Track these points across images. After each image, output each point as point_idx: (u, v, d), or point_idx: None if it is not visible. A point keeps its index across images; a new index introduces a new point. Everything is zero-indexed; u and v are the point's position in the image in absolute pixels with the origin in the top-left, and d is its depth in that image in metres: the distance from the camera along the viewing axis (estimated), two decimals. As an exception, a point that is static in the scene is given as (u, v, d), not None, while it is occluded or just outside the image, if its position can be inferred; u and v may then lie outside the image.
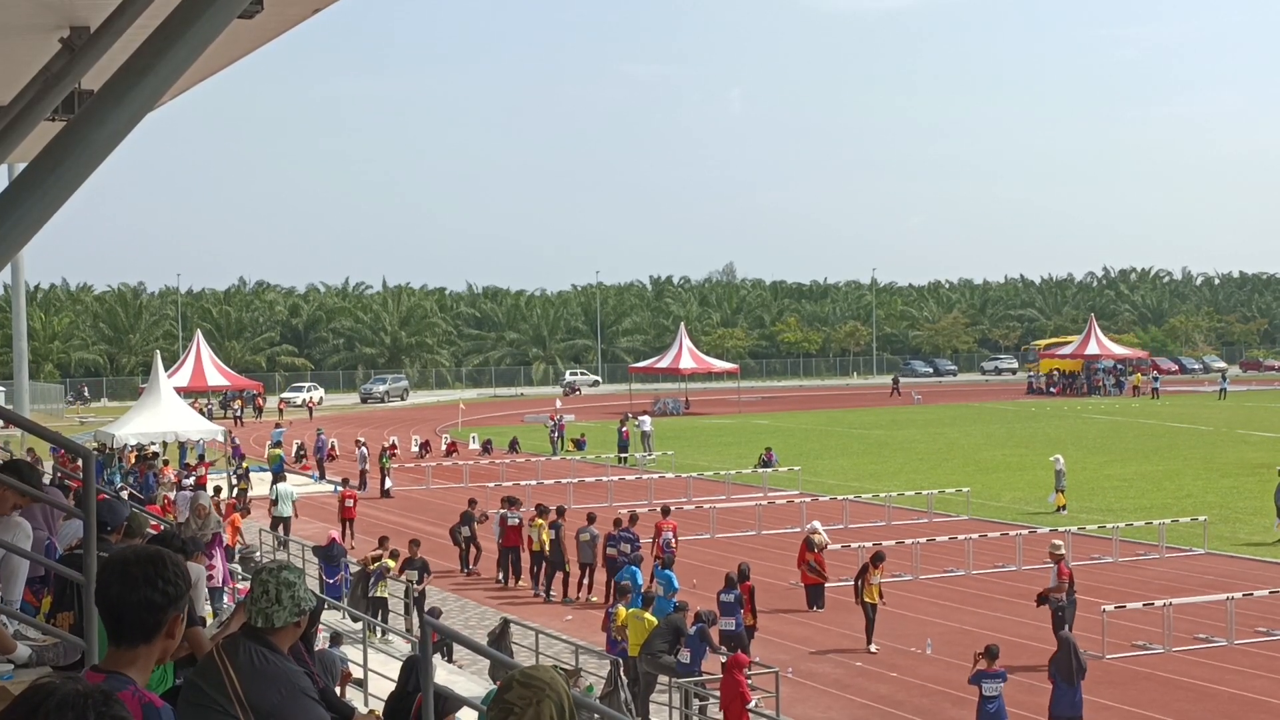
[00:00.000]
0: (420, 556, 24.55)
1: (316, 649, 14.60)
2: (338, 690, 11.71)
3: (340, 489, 36.60)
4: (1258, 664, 21.17)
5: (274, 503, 33.93)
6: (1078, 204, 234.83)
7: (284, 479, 35.89)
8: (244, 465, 43.99)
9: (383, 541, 24.87)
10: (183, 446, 46.08)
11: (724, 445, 58.01)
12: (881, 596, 23.02)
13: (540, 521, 27.94)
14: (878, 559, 23.24)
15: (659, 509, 29.70)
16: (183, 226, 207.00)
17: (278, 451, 44.50)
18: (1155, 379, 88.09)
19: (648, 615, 19.71)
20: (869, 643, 22.42)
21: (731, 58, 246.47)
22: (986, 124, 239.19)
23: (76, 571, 6.31)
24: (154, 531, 10.53)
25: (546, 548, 27.58)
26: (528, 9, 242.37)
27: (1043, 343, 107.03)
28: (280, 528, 32.97)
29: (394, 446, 50.58)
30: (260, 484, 40.65)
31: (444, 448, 56.64)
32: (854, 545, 29.17)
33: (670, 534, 27.73)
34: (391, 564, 23.95)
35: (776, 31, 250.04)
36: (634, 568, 23.67)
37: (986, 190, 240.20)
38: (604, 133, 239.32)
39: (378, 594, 23.45)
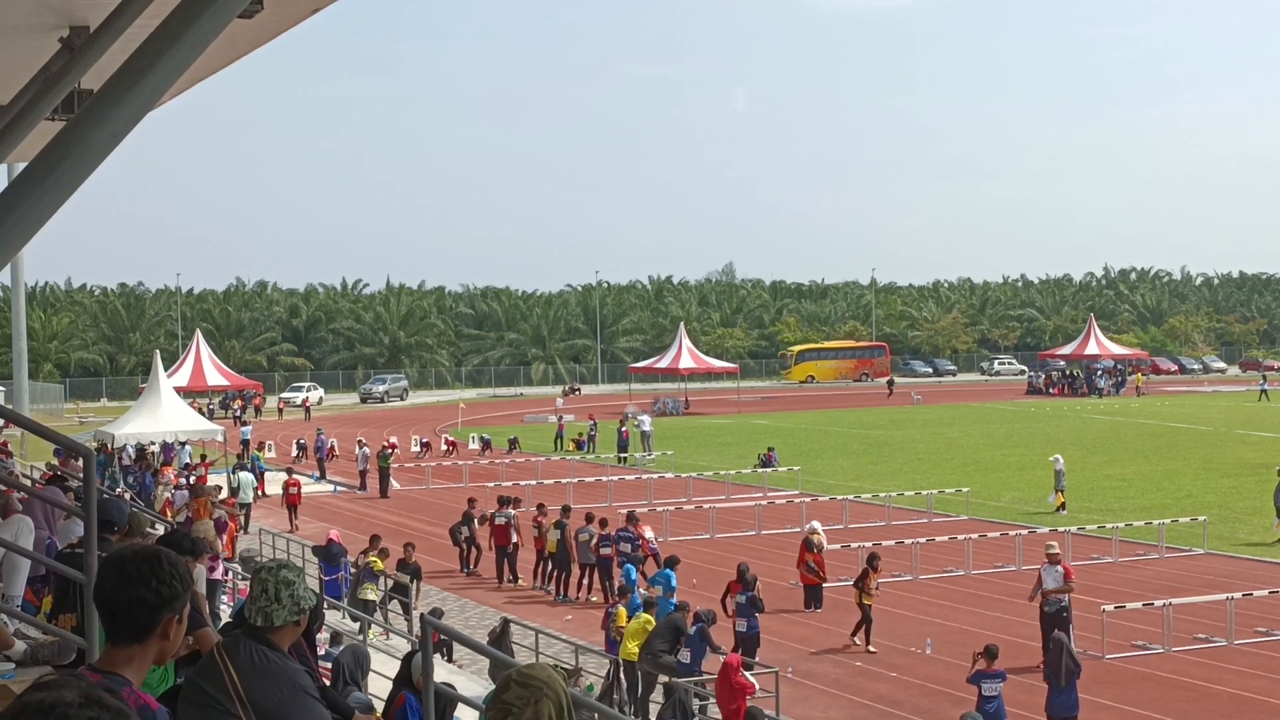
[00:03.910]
0: (414, 561, 24.48)
1: (346, 645, 14.64)
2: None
3: (287, 477, 39.37)
4: (1257, 664, 21.17)
5: (235, 490, 35.67)
6: (1077, 204, 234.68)
7: (247, 469, 39.44)
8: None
9: (374, 540, 24.84)
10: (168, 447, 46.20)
11: (723, 445, 58.03)
12: (877, 588, 23.12)
13: (546, 522, 28.01)
14: (874, 561, 23.30)
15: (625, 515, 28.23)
16: (183, 226, 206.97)
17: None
18: (1100, 378, 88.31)
19: (645, 616, 19.71)
20: (868, 643, 22.45)
21: (732, 58, 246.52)
22: (986, 123, 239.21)
23: (77, 570, 6.32)
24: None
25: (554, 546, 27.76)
26: (529, 8, 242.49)
27: (796, 348, 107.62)
28: (242, 513, 35.06)
29: (394, 444, 51.23)
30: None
31: (444, 447, 56.67)
32: (854, 545, 29.20)
33: (649, 532, 27.74)
34: (378, 563, 23.81)
35: (775, 31, 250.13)
36: (630, 566, 23.60)
37: (986, 190, 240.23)
38: (604, 132, 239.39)
39: (362, 596, 23.20)
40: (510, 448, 56.08)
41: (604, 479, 43.73)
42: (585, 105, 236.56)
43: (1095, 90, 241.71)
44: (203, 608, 7.21)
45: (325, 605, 18.18)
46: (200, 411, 52.02)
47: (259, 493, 43.06)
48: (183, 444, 44.76)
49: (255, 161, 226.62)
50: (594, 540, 26.91)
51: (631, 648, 19.11)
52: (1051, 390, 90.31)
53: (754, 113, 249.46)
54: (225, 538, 24.07)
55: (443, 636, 16.43)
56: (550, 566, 28.14)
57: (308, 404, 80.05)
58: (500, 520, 29.00)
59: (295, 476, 39.16)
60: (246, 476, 37.65)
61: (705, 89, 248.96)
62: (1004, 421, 68.22)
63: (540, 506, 29.59)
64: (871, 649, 22.29)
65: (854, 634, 22.82)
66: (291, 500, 37.66)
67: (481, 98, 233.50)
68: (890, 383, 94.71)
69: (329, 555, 25.54)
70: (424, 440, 57.62)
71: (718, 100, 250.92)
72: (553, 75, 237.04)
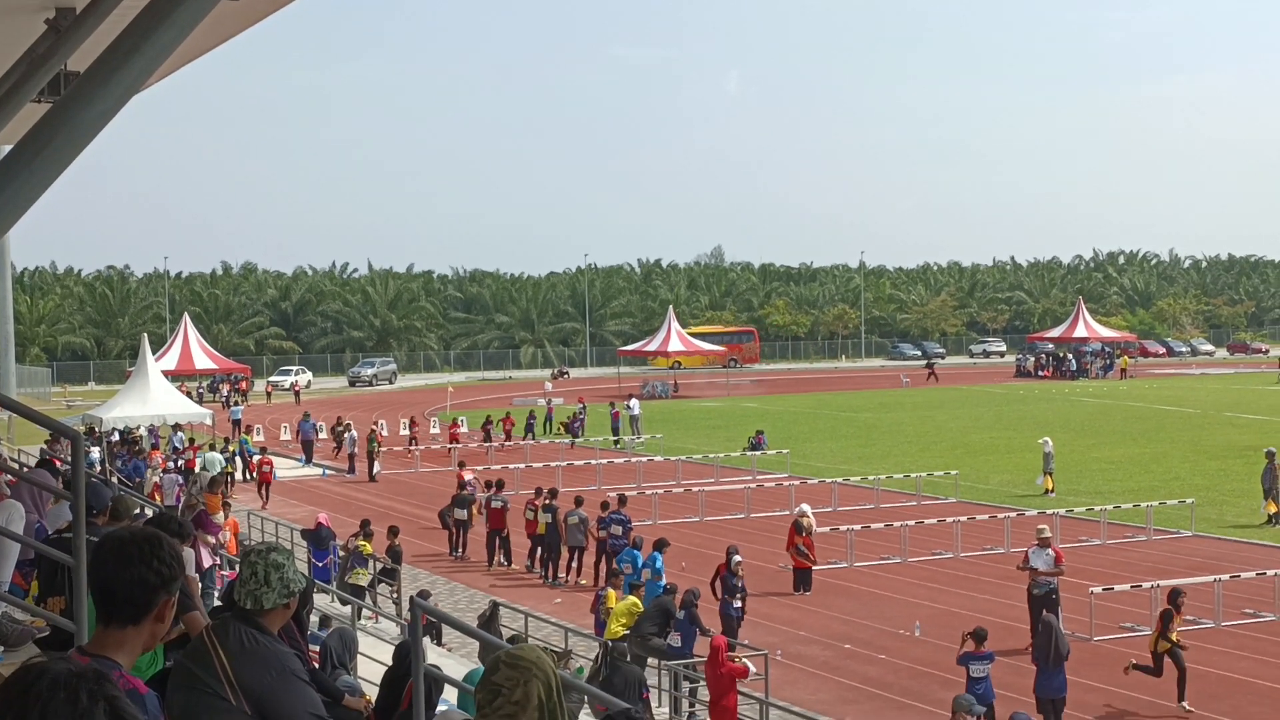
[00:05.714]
0: (397, 544, 24.49)
1: (334, 628, 14.63)
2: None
3: (258, 455, 40.67)
4: (1244, 645, 21.28)
5: (202, 469, 36.08)
6: (1066, 187, 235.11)
7: (215, 450, 41.11)
8: (230, 449, 44.08)
9: (364, 524, 24.84)
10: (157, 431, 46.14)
11: (712, 428, 58.05)
12: (1180, 646, 18.58)
13: (537, 504, 28.10)
14: (1177, 599, 19.00)
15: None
16: (170, 209, 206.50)
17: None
18: (1072, 360, 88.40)
19: (633, 599, 19.73)
20: (1181, 698, 18.40)
21: (723, 41, 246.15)
22: (976, 107, 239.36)
23: (66, 554, 6.31)
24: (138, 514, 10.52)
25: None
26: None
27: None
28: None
29: (409, 423, 53.30)
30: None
31: (446, 429, 55.81)
32: (843, 528, 29.26)
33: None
34: (367, 546, 23.81)
35: (767, 14, 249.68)
36: (635, 551, 23.56)
37: (975, 173, 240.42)
38: (594, 115, 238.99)
39: (351, 580, 23.21)
40: (486, 435, 51.83)
41: (593, 462, 43.75)
42: (575, 88, 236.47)
43: (1085, 73, 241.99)
44: (192, 591, 7.21)
45: (315, 589, 18.15)
46: (189, 395, 51.90)
47: (249, 474, 43.16)
48: (175, 428, 44.71)
49: (243, 144, 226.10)
50: (586, 524, 27.00)
51: (615, 628, 19.16)
52: (1040, 373, 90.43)
53: (745, 95, 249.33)
54: (230, 534, 23.85)
55: (432, 619, 16.45)
56: (540, 549, 28.21)
57: (297, 388, 79.39)
58: (496, 504, 29.08)
59: (268, 456, 40.19)
60: (213, 456, 38.58)
61: (696, 72, 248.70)
62: (992, 404, 68.32)
63: (538, 490, 29.57)
64: (1187, 706, 18.30)
65: (1180, 698, 18.47)
66: (264, 479, 38.55)
67: (471, 81, 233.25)
68: (930, 365, 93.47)
69: (318, 539, 25.52)
70: (414, 423, 57.15)
71: (709, 83, 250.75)
72: (543, 58, 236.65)
